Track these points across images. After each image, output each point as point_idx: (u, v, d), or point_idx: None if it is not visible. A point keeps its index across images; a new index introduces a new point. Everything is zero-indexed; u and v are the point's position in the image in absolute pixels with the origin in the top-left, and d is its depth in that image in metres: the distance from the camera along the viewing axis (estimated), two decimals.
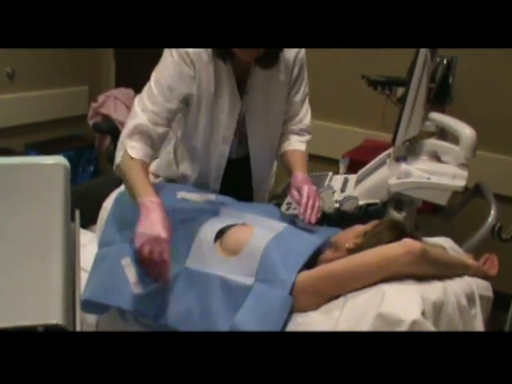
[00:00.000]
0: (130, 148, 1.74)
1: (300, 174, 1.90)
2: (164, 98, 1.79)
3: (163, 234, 1.52)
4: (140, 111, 1.78)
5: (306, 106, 2.10)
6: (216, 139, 1.96)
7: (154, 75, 1.83)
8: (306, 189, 1.81)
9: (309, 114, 2.11)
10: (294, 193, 1.84)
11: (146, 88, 1.83)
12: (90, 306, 1.56)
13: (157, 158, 2.11)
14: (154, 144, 1.80)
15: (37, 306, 0.84)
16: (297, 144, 2.07)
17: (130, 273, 1.58)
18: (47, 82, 4.06)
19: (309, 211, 1.76)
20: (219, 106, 1.89)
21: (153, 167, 2.13)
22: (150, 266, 1.56)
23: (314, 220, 1.75)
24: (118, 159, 1.77)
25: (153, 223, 1.54)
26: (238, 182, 2.07)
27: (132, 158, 1.73)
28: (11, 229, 0.98)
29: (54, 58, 3.99)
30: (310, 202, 1.78)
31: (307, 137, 2.11)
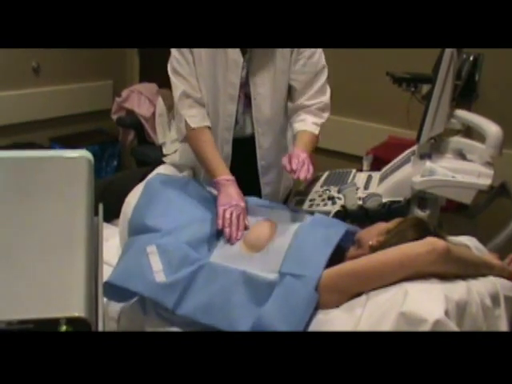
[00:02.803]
0: (189, 117, 1.94)
1: (296, 150, 1.86)
2: (186, 64, 1.94)
3: (241, 202, 1.80)
4: (177, 81, 1.95)
5: (323, 80, 2.05)
6: (222, 99, 2.00)
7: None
8: (294, 154, 1.79)
9: (327, 91, 2.07)
10: (284, 159, 1.79)
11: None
12: (112, 291, 1.57)
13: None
14: (203, 106, 1.98)
15: (60, 298, 0.84)
16: (310, 126, 2.02)
17: (154, 261, 1.60)
18: (72, 76, 4.09)
19: (299, 170, 1.74)
20: (221, 62, 1.94)
21: (175, 157, 2.18)
22: (228, 228, 1.73)
23: (302, 176, 1.73)
24: (183, 130, 1.98)
25: (231, 195, 1.81)
26: (244, 165, 2.08)
27: (193, 128, 1.94)
28: (35, 222, 0.99)
29: (79, 53, 4.01)
30: (299, 164, 1.75)
31: (323, 118, 2.06)
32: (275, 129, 2.11)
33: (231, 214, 1.75)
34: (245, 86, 1.99)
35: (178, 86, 1.96)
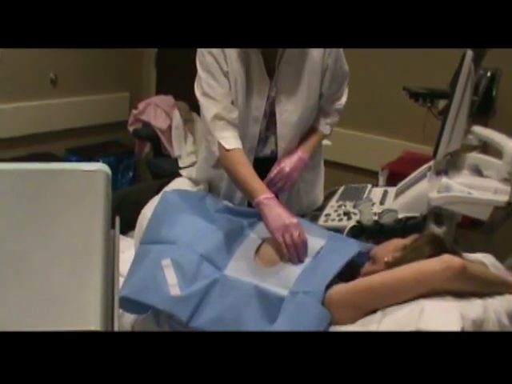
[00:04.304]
0: (222, 139, 1.86)
1: (298, 152, 2.02)
2: (218, 86, 1.89)
3: (294, 220, 1.71)
4: (209, 104, 1.89)
5: (345, 84, 2.14)
6: (246, 121, 1.98)
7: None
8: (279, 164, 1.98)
9: (346, 94, 2.15)
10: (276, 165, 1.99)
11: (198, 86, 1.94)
12: (127, 304, 1.58)
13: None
14: (236, 127, 1.92)
15: (76, 311, 0.85)
16: (324, 126, 2.11)
17: (169, 274, 1.61)
18: (89, 88, 4.12)
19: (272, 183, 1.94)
20: (250, 89, 1.93)
21: (192, 171, 2.17)
22: (292, 252, 1.66)
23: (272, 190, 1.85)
24: (216, 153, 1.90)
25: (281, 215, 1.72)
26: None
27: (228, 149, 1.86)
28: (52, 234, 1.00)
29: (97, 65, 4.06)
30: (276, 179, 1.96)
31: (335, 118, 2.15)
32: (296, 143, 2.08)
33: (291, 237, 1.67)
34: (270, 104, 1.98)
35: (209, 108, 1.89)
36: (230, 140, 1.87)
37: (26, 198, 1.09)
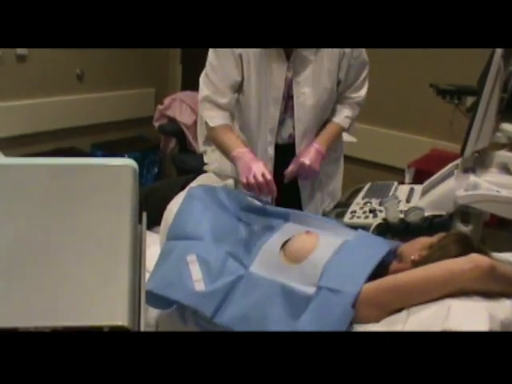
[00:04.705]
0: (208, 118, 2.05)
1: (315, 144, 2.10)
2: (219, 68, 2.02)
3: (259, 163, 1.89)
4: (203, 86, 2.06)
5: (365, 75, 2.19)
6: (265, 101, 2.07)
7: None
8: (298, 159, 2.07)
9: (366, 87, 2.21)
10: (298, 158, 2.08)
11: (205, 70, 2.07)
12: (152, 299, 1.59)
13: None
14: (226, 110, 2.07)
15: (103, 306, 0.85)
16: (343, 119, 2.18)
17: (194, 270, 1.61)
18: (115, 83, 4.15)
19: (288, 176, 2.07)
20: (269, 69, 2.01)
21: (215, 165, 2.28)
22: (260, 192, 1.86)
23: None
24: (204, 132, 2.14)
25: (247, 163, 1.90)
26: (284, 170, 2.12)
27: (213, 127, 2.04)
28: (80, 229, 1.00)
29: (123, 61, 4.08)
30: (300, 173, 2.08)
31: (357, 112, 2.22)
32: (314, 130, 2.16)
33: (255, 178, 1.84)
34: (287, 86, 2.05)
35: (202, 89, 2.06)
36: (216, 119, 2.04)
37: (53, 193, 1.10)
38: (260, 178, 1.83)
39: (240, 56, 1.98)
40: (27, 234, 0.97)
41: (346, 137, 2.41)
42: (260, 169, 1.85)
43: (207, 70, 2.04)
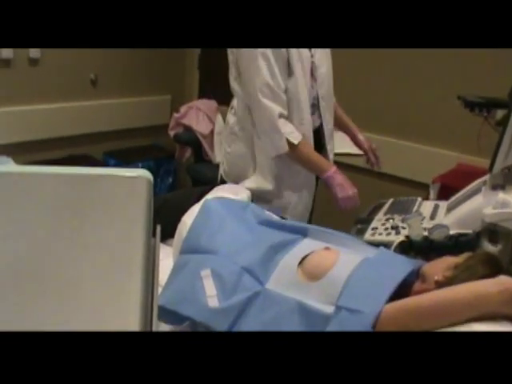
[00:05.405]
0: (289, 134, 2.26)
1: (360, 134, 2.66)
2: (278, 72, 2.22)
3: (355, 190, 2.30)
4: (269, 103, 2.23)
5: None
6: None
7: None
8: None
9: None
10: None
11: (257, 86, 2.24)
12: (163, 314, 1.59)
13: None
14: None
15: (115, 321, 0.86)
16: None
17: (208, 285, 1.61)
18: (130, 89, 4.18)
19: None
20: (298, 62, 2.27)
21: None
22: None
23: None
24: (284, 147, 2.28)
25: (344, 187, 2.29)
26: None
27: (297, 143, 2.26)
28: (91, 243, 1.01)
29: (138, 66, 4.11)
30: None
31: None
32: (331, 105, 2.53)
33: (352, 205, 2.30)
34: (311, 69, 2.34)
35: (272, 107, 2.22)
36: (295, 134, 2.26)
37: (65, 204, 1.10)
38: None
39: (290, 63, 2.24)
40: (36, 246, 0.98)
41: (354, 149, 2.70)
42: (356, 197, 2.31)
43: (266, 78, 2.21)
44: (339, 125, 2.67)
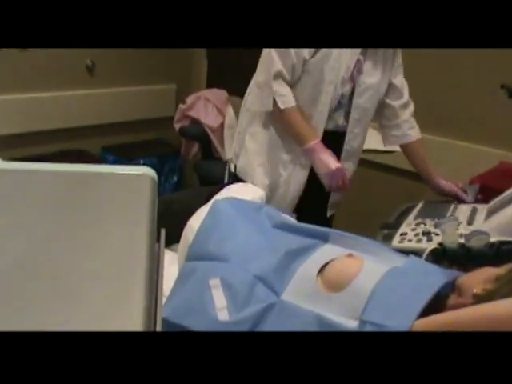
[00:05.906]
0: (279, 96, 2.33)
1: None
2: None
3: (338, 165, 2.33)
4: (277, 58, 2.31)
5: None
6: (333, 81, 2.37)
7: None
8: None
9: (407, 87, 2.62)
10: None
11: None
12: (167, 327, 1.59)
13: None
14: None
15: (116, 328, 0.87)
16: (415, 132, 2.64)
17: (218, 296, 1.61)
18: (130, 78, 4.18)
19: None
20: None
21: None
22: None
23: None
24: (269, 105, 2.36)
25: (325, 161, 2.33)
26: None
27: (283, 109, 2.34)
28: (90, 247, 1.01)
29: (139, 52, 4.07)
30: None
31: (412, 118, 2.64)
32: (367, 120, 2.55)
33: (337, 183, 2.35)
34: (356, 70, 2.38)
35: (275, 62, 2.31)
36: (288, 99, 2.33)
37: (62, 204, 1.11)
38: (341, 185, 2.37)
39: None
40: (33, 247, 0.98)
41: (381, 146, 2.78)
42: (341, 174, 2.35)
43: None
44: (419, 168, 2.67)
